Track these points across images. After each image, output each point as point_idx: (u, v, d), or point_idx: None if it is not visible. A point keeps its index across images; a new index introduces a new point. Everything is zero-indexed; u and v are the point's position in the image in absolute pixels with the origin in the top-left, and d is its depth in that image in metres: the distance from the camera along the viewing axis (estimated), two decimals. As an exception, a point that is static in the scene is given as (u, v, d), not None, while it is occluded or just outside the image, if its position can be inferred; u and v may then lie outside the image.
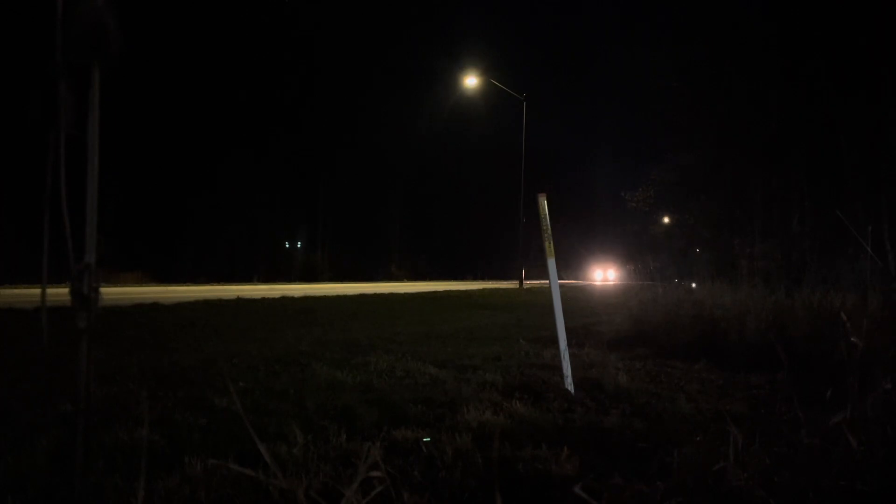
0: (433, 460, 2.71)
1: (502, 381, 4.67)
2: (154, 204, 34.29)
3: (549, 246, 4.61)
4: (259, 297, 13.61)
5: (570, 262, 59.18)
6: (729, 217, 15.83)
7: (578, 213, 60.35)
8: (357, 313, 11.09)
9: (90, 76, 1.21)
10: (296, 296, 14.54)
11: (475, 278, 44.67)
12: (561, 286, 4.78)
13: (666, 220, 25.97)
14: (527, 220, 30.42)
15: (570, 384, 4.34)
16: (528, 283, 28.79)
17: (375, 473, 1.62)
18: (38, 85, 1.21)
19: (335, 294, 16.96)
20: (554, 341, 5.04)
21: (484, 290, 23.80)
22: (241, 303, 11.67)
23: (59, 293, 1.67)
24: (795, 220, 12.04)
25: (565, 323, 4.68)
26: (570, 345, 4.71)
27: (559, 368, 4.51)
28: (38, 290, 1.31)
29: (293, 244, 44.62)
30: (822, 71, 12.95)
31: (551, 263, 4.65)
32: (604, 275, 48.48)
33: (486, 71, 28.81)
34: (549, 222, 4.64)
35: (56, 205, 1.20)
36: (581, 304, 15.07)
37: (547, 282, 4.81)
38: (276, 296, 14.14)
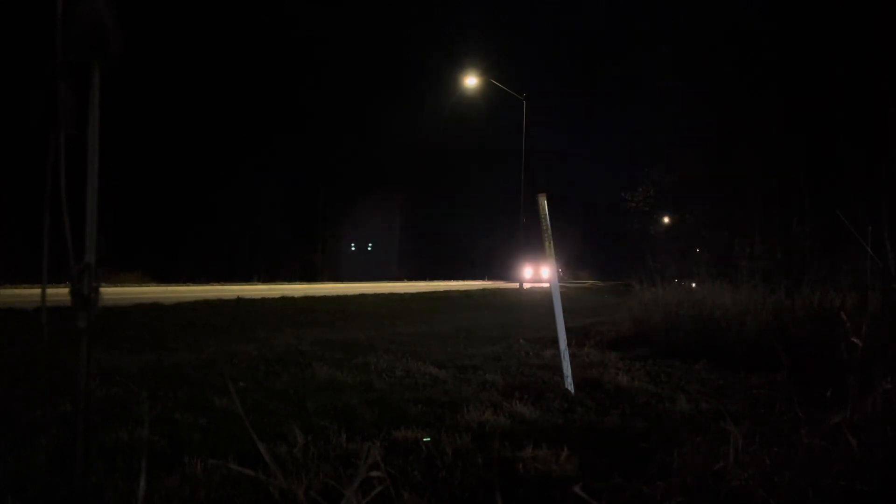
0: (433, 460, 2.71)
1: (502, 381, 4.67)
2: (154, 204, 34.28)
3: (549, 246, 4.61)
4: (259, 297, 13.59)
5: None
6: (729, 217, 15.82)
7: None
8: (357, 313, 11.09)
9: (90, 76, 1.21)
10: (296, 296, 14.53)
11: (475, 278, 44.53)
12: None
13: (666, 220, 25.98)
14: (527, 220, 30.43)
15: (570, 384, 4.34)
16: (527, 284, 28.80)
17: (375, 473, 1.62)
18: (38, 85, 1.21)
19: (335, 294, 16.95)
20: (554, 341, 5.04)
21: (484, 289, 23.80)
22: (241, 303, 11.67)
23: (59, 293, 1.67)
24: (795, 220, 12.02)
25: (565, 323, 4.68)
26: (570, 345, 4.71)
27: (559, 368, 4.51)
28: (38, 290, 1.31)
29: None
30: (822, 70, 12.94)
31: (551, 264, 4.65)
32: (534, 273, 39.92)
33: (486, 71, 28.75)
34: (549, 222, 4.64)
35: (56, 205, 1.20)
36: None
37: (547, 284, 4.81)
38: (276, 296, 14.13)
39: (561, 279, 41.50)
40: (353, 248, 43.84)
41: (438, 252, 51.36)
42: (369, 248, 49.90)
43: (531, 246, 32.58)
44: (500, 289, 25.40)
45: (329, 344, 6.58)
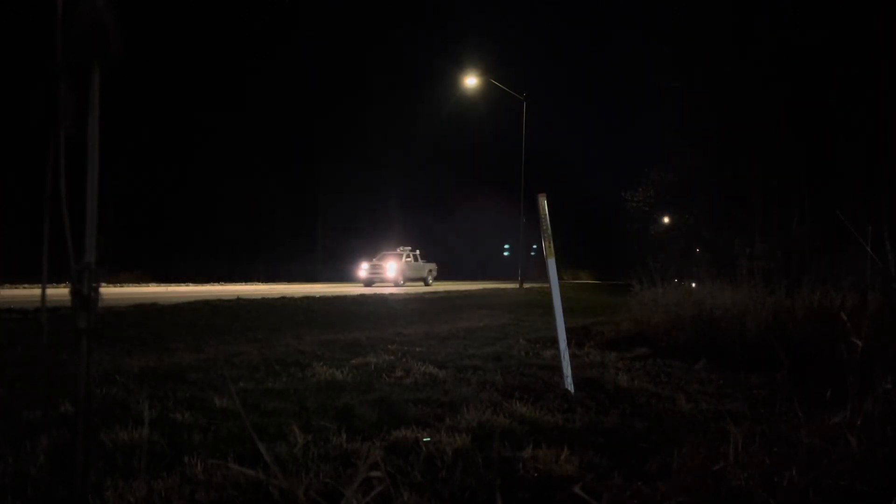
0: (433, 460, 2.71)
1: (502, 381, 4.67)
2: (155, 203, 34.30)
3: (549, 246, 4.61)
4: (259, 297, 13.60)
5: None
6: (729, 217, 15.83)
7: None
8: (357, 313, 11.10)
9: (90, 76, 1.21)
10: (296, 296, 14.54)
11: (475, 278, 44.30)
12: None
13: (666, 220, 26.02)
14: (526, 220, 30.42)
15: (570, 384, 4.34)
16: (527, 284, 28.80)
17: (375, 473, 1.62)
18: (38, 85, 1.21)
19: (335, 294, 16.96)
20: (554, 341, 5.04)
21: (484, 290, 23.79)
22: (241, 303, 11.67)
23: (60, 293, 1.67)
24: (795, 220, 12.05)
25: (565, 323, 4.68)
26: (570, 345, 4.71)
27: (559, 368, 4.51)
28: (38, 291, 1.31)
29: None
30: (822, 71, 12.95)
31: (551, 263, 4.65)
32: (375, 270, 27.02)
33: (487, 71, 28.85)
34: (549, 222, 4.64)
35: (56, 205, 1.20)
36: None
37: (548, 284, 4.81)
38: (276, 296, 14.14)
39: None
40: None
41: (438, 253, 51.19)
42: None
43: (528, 247, 31.89)
44: (500, 289, 25.37)
45: (329, 344, 6.58)
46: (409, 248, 29.71)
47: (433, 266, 31.22)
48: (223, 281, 26.23)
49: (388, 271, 27.07)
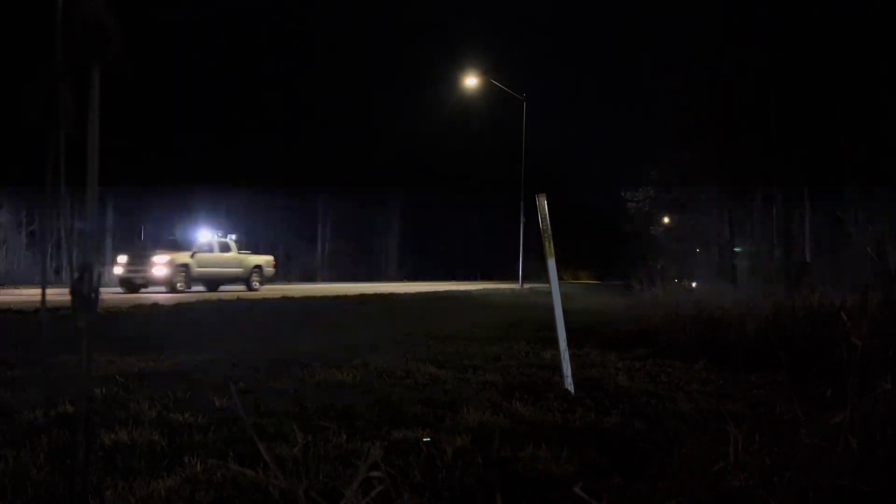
0: (433, 460, 2.71)
1: (502, 381, 4.67)
2: (154, 203, 34.31)
3: (549, 246, 4.61)
4: (259, 297, 13.61)
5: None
6: (729, 217, 15.84)
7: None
8: (357, 313, 11.10)
9: (90, 76, 1.21)
10: (296, 296, 14.54)
11: (475, 278, 44.26)
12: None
13: (666, 220, 26.02)
14: (526, 220, 30.36)
15: (570, 384, 4.34)
16: (528, 284, 28.78)
17: (375, 473, 1.61)
18: (38, 85, 1.21)
19: (335, 294, 16.95)
20: (554, 341, 5.04)
21: (484, 290, 23.77)
22: (241, 303, 11.68)
23: (60, 293, 1.68)
24: (795, 220, 12.06)
25: (565, 323, 4.68)
26: (570, 345, 4.71)
27: (559, 368, 4.51)
28: (37, 291, 1.31)
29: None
30: (822, 71, 12.96)
31: (551, 263, 4.65)
32: (137, 267, 16.94)
33: (486, 71, 28.76)
34: (549, 222, 4.64)
35: (56, 205, 1.20)
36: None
37: (548, 284, 4.81)
38: (277, 296, 14.14)
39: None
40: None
41: (439, 253, 51.25)
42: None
43: (531, 246, 31.62)
44: (500, 289, 25.35)
45: (329, 344, 6.58)
46: (220, 233, 19.80)
47: (264, 260, 20.72)
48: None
49: (155, 269, 16.62)
